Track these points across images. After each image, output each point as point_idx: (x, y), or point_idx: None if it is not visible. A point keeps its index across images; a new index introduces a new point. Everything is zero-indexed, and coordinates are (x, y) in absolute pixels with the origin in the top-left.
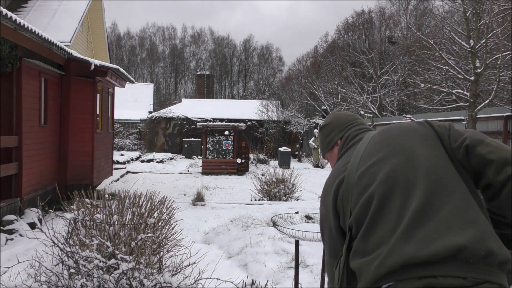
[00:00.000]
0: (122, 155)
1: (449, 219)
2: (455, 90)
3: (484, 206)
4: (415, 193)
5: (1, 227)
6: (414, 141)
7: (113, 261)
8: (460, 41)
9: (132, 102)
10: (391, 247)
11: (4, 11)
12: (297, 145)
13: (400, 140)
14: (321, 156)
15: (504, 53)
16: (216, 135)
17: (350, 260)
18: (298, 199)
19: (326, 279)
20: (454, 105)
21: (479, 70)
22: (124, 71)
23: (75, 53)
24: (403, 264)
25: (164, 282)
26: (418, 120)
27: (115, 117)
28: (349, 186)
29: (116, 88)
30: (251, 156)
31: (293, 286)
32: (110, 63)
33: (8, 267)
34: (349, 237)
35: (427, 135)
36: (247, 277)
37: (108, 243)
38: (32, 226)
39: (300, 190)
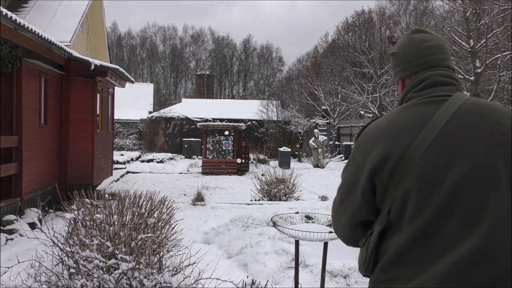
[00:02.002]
0: (122, 155)
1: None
2: None
3: None
4: (478, 229)
5: (1, 227)
6: (501, 161)
7: (113, 261)
8: (460, 41)
9: (132, 102)
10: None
11: (4, 11)
12: (297, 145)
13: (490, 151)
14: (321, 157)
15: (504, 53)
16: (216, 135)
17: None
18: (298, 199)
19: (326, 279)
20: None
21: (479, 70)
22: (124, 71)
23: (75, 53)
24: None
25: (164, 282)
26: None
27: (115, 117)
28: (406, 168)
29: (116, 88)
30: (251, 156)
31: (293, 286)
32: (110, 63)
33: (8, 267)
34: (386, 221)
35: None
36: (247, 277)
37: (108, 243)
38: (32, 226)
39: (300, 190)
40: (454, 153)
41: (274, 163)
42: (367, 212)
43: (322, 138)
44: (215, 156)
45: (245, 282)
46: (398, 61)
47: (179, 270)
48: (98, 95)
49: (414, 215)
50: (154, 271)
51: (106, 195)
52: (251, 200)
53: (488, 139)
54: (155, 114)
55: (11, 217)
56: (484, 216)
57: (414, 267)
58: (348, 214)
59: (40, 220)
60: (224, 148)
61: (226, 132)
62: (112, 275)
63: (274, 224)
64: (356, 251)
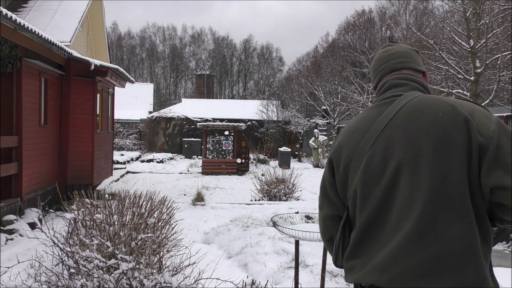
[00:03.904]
0: (122, 155)
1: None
2: (455, 90)
3: None
4: (407, 222)
5: (1, 227)
6: (428, 153)
7: (113, 261)
8: (460, 41)
9: (132, 102)
10: (377, 267)
11: (4, 11)
12: (297, 145)
13: (423, 143)
14: (321, 157)
15: (504, 53)
16: (216, 135)
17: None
18: (298, 199)
19: (326, 279)
20: None
21: (479, 70)
22: (124, 71)
23: (75, 53)
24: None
25: (164, 282)
26: (462, 112)
27: (115, 117)
28: (356, 167)
29: (116, 88)
30: (251, 156)
31: (293, 286)
32: (110, 63)
33: (8, 267)
34: (346, 215)
35: (455, 141)
36: (247, 277)
37: (108, 243)
38: (32, 226)
39: (300, 190)
40: (391, 150)
41: (274, 163)
42: (331, 206)
43: (322, 138)
44: (215, 156)
45: (245, 282)
46: (370, 73)
47: (179, 270)
48: (98, 95)
49: (361, 209)
50: (154, 271)
51: (106, 195)
52: (251, 200)
53: (422, 133)
54: (155, 114)
55: (11, 217)
56: (413, 207)
57: (365, 257)
58: (321, 209)
59: (40, 220)
60: (224, 148)
61: (226, 132)
62: (112, 275)
63: (274, 224)
64: None
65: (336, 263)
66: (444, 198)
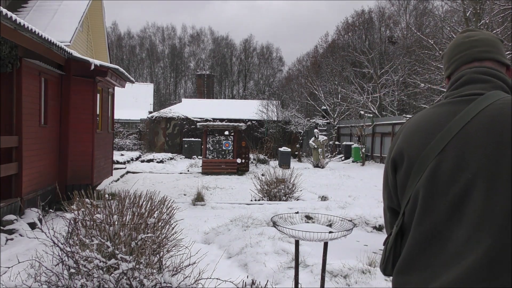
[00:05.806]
0: (122, 155)
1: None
2: None
3: None
4: (484, 237)
5: (1, 227)
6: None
7: (113, 261)
8: None
9: (132, 102)
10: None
11: (4, 11)
12: (297, 145)
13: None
14: (321, 157)
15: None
16: (216, 135)
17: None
18: (298, 199)
19: (326, 279)
20: None
21: None
22: (124, 71)
23: (75, 53)
24: None
25: (164, 282)
26: None
27: (115, 117)
28: (419, 170)
29: (116, 88)
30: (251, 156)
31: (293, 286)
32: (110, 63)
33: (8, 267)
34: (401, 222)
35: None
36: (247, 277)
37: (108, 243)
38: (32, 226)
39: (300, 190)
40: (465, 160)
41: (274, 163)
42: (392, 201)
43: (322, 138)
44: (215, 156)
45: (245, 282)
46: (444, 60)
47: (179, 270)
48: (98, 95)
49: (420, 219)
50: (154, 271)
51: (106, 195)
52: (251, 200)
53: (504, 148)
54: (155, 114)
55: (11, 217)
56: (486, 229)
57: (423, 276)
58: (384, 200)
59: (40, 220)
60: (224, 148)
61: (226, 132)
62: (112, 275)
63: (274, 224)
64: (355, 252)
65: (384, 272)
66: None
